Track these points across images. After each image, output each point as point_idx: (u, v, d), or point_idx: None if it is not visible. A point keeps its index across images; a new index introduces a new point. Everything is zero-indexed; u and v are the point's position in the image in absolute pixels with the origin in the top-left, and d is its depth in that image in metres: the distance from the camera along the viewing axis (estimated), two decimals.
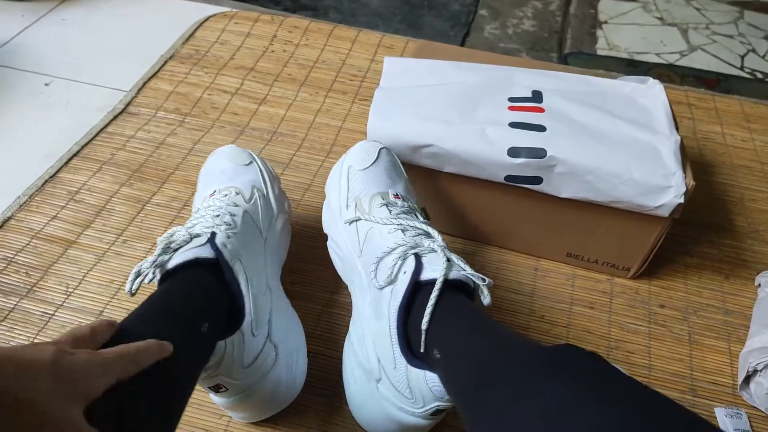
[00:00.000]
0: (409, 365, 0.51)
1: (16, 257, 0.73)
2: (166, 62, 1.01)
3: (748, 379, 0.64)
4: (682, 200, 0.62)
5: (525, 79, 0.75)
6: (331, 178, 0.68)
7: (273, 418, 0.60)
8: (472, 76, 0.75)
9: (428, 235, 0.57)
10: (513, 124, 0.68)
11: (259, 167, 0.69)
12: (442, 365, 0.48)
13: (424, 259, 0.53)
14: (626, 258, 0.73)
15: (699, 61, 1.18)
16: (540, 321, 0.71)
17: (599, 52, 1.21)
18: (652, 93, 0.73)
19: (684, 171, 0.64)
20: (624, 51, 1.22)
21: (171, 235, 0.55)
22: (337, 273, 0.66)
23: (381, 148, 0.66)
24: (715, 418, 0.63)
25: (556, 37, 1.27)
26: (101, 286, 0.71)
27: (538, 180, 0.67)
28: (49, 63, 1.03)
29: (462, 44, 1.19)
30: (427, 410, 0.51)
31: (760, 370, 0.63)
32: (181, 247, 0.54)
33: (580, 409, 0.33)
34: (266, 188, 0.67)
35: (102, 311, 0.68)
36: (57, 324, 0.67)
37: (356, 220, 0.61)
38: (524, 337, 0.46)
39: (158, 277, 0.53)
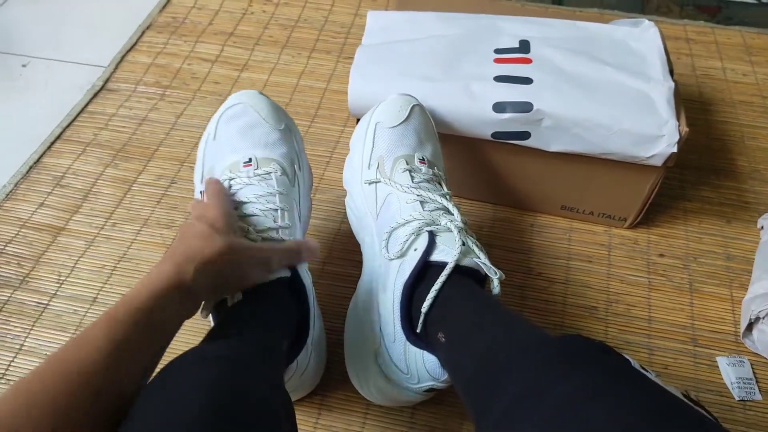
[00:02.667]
0: (408, 343, 0.50)
1: (6, 248, 0.73)
2: (143, 33, 0.98)
3: (750, 326, 0.63)
4: (675, 149, 0.60)
5: (512, 27, 0.71)
6: (356, 132, 0.63)
7: None
8: (457, 27, 0.72)
9: (447, 212, 0.55)
10: (498, 78, 0.65)
11: (292, 130, 0.61)
12: (446, 349, 0.48)
13: (438, 239, 0.52)
14: (622, 208, 0.71)
15: None
16: (537, 278, 0.70)
17: None
18: (647, 37, 0.69)
19: (678, 118, 0.61)
20: None
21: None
22: (328, 241, 0.65)
23: (414, 105, 0.61)
24: (717, 366, 0.62)
25: None
26: (93, 272, 0.70)
27: (526, 135, 0.65)
28: (25, 43, 1.00)
29: None
30: (421, 387, 0.51)
31: (763, 317, 0.62)
32: None
33: (587, 409, 0.32)
34: (300, 160, 0.61)
35: (96, 297, 0.68)
36: (52, 314, 0.67)
37: (376, 182, 0.58)
38: (532, 324, 0.45)
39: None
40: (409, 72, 0.67)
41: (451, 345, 0.47)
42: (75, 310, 0.67)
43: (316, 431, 0.59)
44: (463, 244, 0.51)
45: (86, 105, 0.88)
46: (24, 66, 0.97)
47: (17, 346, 0.65)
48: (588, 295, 0.68)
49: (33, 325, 0.66)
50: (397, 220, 0.54)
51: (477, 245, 0.52)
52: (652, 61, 0.67)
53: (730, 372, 0.62)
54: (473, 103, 0.64)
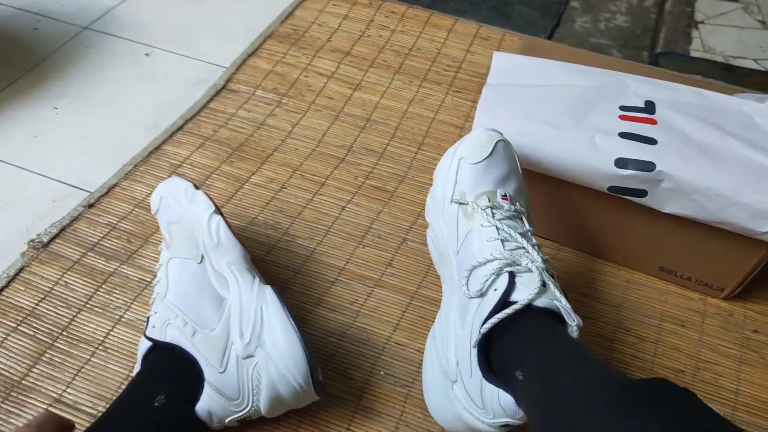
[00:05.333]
0: (484, 380, 0.51)
1: (119, 224, 0.77)
2: (264, 41, 1.03)
3: None
4: None
5: (637, 87, 0.73)
6: (441, 165, 0.65)
7: (353, 405, 0.62)
8: (584, 80, 0.74)
9: (528, 251, 0.55)
10: (623, 134, 0.67)
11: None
12: (523, 388, 0.48)
13: (518, 279, 0.53)
14: (721, 278, 0.72)
15: None
16: (626, 334, 0.70)
17: (693, 54, 1.16)
18: None
19: None
20: (719, 54, 1.17)
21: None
22: (425, 266, 0.66)
23: (498, 141, 0.62)
24: None
25: (649, 35, 1.23)
26: None
27: (642, 193, 0.66)
28: (150, 33, 1.06)
29: (550, 35, 1.17)
30: (496, 422, 0.52)
31: None
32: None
33: None
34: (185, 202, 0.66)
35: None
36: (152, 291, 0.70)
37: (457, 218, 0.59)
38: (612, 368, 0.46)
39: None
40: (536, 115, 0.69)
41: (529, 383, 0.48)
42: None
43: None
44: (543, 284, 0.52)
45: (208, 102, 0.92)
46: (147, 55, 1.02)
47: (117, 317, 0.68)
48: (677, 358, 0.69)
49: (134, 300, 0.70)
50: (478, 259, 0.55)
51: (558, 287, 0.53)
52: None
53: None
54: (596, 155, 0.66)
